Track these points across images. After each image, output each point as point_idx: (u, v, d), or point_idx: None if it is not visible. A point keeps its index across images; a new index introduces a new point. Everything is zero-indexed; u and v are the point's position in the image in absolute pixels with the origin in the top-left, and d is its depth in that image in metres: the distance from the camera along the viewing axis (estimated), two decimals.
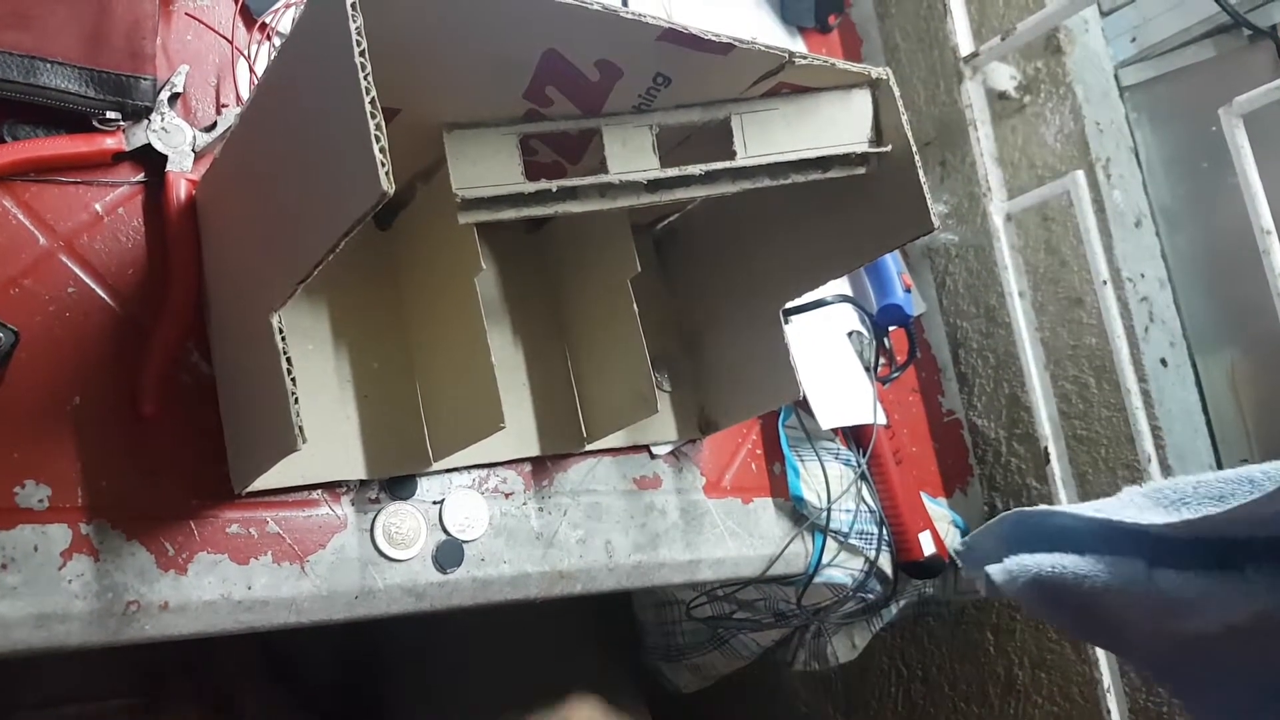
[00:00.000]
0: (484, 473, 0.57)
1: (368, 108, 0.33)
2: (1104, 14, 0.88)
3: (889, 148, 0.52)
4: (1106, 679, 0.71)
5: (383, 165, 0.33)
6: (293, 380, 0.40)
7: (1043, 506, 0.59)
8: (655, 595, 0.83)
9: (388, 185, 0.33)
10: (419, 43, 0.40)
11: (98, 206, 0.48)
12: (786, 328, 0.60)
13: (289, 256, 0.39)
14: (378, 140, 0.33)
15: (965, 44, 0.86)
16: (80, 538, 0.44)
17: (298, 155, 0.39)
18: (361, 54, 0.33)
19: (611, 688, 0.78)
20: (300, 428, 0.39)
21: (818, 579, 0.69)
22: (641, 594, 0.83)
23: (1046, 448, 0.77)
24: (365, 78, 0.33)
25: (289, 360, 0.40)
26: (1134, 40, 0.86)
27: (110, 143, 0.48)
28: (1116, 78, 0.87)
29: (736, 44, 0.45)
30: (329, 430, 0.51)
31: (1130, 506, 0.52)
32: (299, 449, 0.40)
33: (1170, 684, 0.53)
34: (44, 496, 0.43)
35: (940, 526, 0.75)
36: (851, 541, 0.70)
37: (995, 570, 0.55)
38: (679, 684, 0.87)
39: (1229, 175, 0.69)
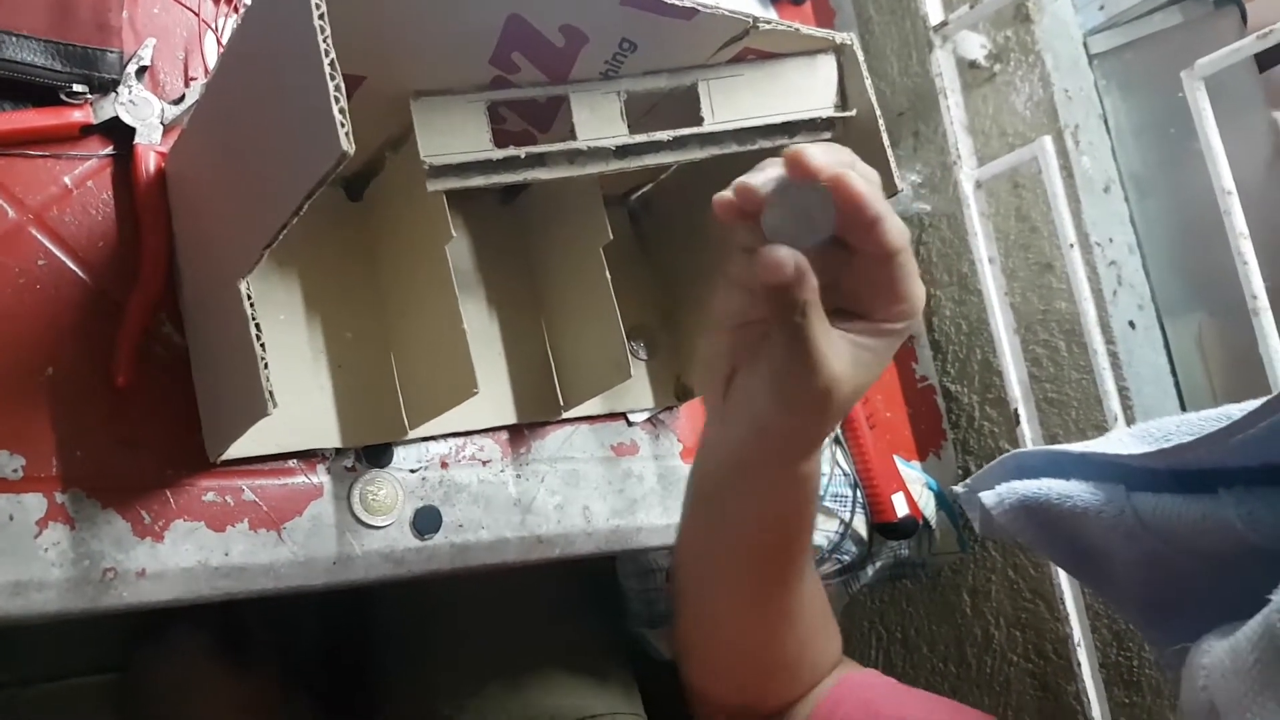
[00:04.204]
0: (461, 440, 0.57)
1: (327, 69, 0.33)
2: None
3: (854, 112, 0.52)
4: (1077, 634, 0.73)
5: (342, 125, 0.33)
6: (262, 345, 0.40)
7: (1041, 446, 0.60)
8: (638, 563, 0.84)
9: (348, 145, 0.33)
10: (382, 8, 0.40)
11: (67, 180, 0.48)
12: None
13: (255, 223, 0.40)
14: (337, 101, 0.33)
15: (935, 13, 0.87)
16: (56, 506, 0.44)
17: (261, 121, 0.40)
18: (320, 16, 0.34)
19: (598, 655, 0.79)
20: (270, 392, 0.40)
21: None
22: (624, 562, 0.84)
23: (1016, 410, 0.78)
24: (324, 40, 0.34)
25: (258, 326, 0.40)
26: (1102, 8, 0.87)
27: (78, 116, 0.48)
28: (1085, 45, 0.87)
29: (700, 8, 0.45)
30: (303, 399, 0.52)
31: (1117, 443, 0.54)
32: (269, 413, 0.40)
33: (1150, 619, 0.54)
34: (18, 466, 0.44)
35: (914, 489, 0.76)
36: (826, 504, 0.71)
37: (987, 496, 0.57)
38: (663, 650, 0.88)
39: (1196, 141, 0.70)
